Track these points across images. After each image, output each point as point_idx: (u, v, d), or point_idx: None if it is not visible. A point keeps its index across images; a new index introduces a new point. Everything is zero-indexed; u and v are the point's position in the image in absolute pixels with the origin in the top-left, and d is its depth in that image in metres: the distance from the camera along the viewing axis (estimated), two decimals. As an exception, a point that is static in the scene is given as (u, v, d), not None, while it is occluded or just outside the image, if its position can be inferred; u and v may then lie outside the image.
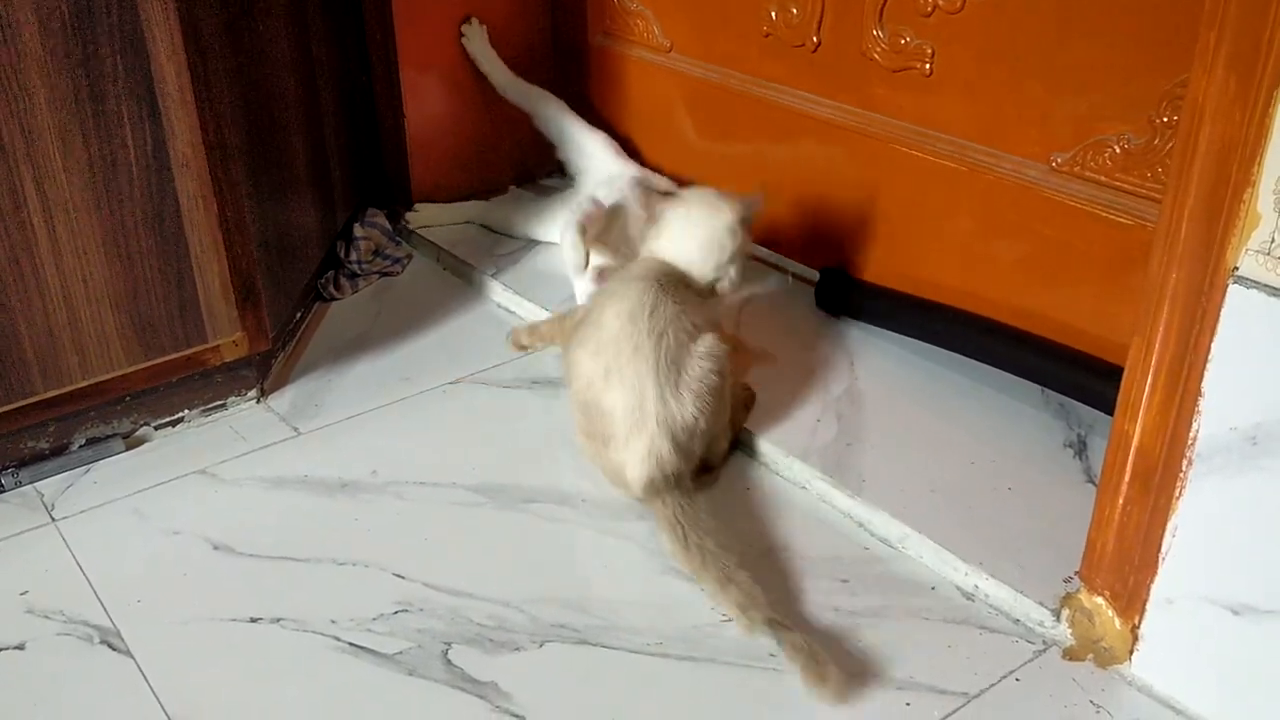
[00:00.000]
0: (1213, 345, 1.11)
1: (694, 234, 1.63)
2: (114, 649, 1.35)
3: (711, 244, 1.62)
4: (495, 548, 1.52)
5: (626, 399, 1.49)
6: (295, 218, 1.96)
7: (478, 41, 2.29)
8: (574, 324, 1.64)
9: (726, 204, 1.65)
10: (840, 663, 1.31)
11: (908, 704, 1.27)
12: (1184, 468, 1.17)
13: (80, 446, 1.66)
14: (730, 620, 1.38)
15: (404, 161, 2.33)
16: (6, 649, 1.35)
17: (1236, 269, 1.08)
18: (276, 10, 1.85)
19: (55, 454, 1.65)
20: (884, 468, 1.60)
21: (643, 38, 2.25)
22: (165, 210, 1.57)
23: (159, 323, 1.62)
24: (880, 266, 1.93)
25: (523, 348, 1.84)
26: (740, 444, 1.69)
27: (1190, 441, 1.16)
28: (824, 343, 1.92)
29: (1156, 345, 1.17)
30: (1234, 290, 1.08)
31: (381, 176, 2.37)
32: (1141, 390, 1.20)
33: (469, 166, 2.37)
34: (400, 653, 1.34)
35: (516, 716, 1.26)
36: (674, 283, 1.57)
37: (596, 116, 2.40)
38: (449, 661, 1.33)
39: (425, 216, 2.32)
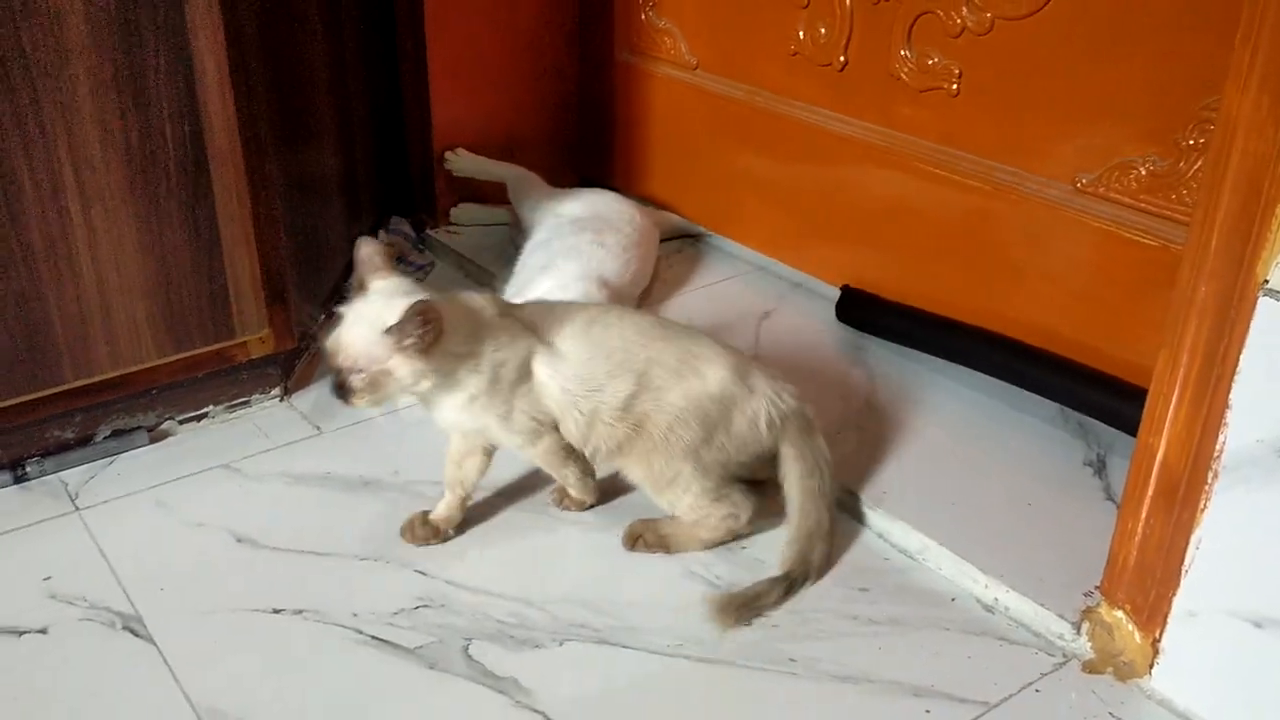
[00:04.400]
0: (1241, 358, 1.12)
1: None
2: (136, 635, 1.36)
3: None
4: (515, 548, 1.53)
5: (724, 364, 1.47)
6: (323, 221, 1.99)
7: (465, 161, 2.33)
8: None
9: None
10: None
11: (927, 711, 1.28)
12: (1209, 480, 1.18)
13: (105, 438, 1.68)
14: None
15: (430, 170, 2.35)
16: (30, 632, 1.36)
17: (1267, 282, 1.09)
18: (313, 16, 1.88)
19: (80, 444, 1.66)
20: (904, 481, 1.61)
21: (669, 55, 2.28)
22: (200, 202, 1.59)
23: (189, 316, 1.64)
24: (901, 283, 1.94)
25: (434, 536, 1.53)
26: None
27: (1216, 454, 1.17)
28: (844, 358, 1.93)
29: (1184, 359, 1.18)
30: (1264, 303, 1.09)
31: (407, 185, 2.39)
32: (1168, 404, 1.21)
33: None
34: (421, 647, 1.35)
35: (536, 712, 1.26)
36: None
37: (620, 133, 2.42)
38: (470, 656, 1.33)
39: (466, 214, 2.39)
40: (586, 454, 1.50)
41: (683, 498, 1.48)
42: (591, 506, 1.58)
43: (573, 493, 1.56)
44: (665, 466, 1.46)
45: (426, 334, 1.33)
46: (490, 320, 1.42)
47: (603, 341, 1.45)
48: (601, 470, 1.56)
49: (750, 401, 1.46)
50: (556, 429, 1.47)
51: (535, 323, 1.46)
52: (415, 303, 1.32)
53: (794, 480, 1.47)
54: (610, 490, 1.60)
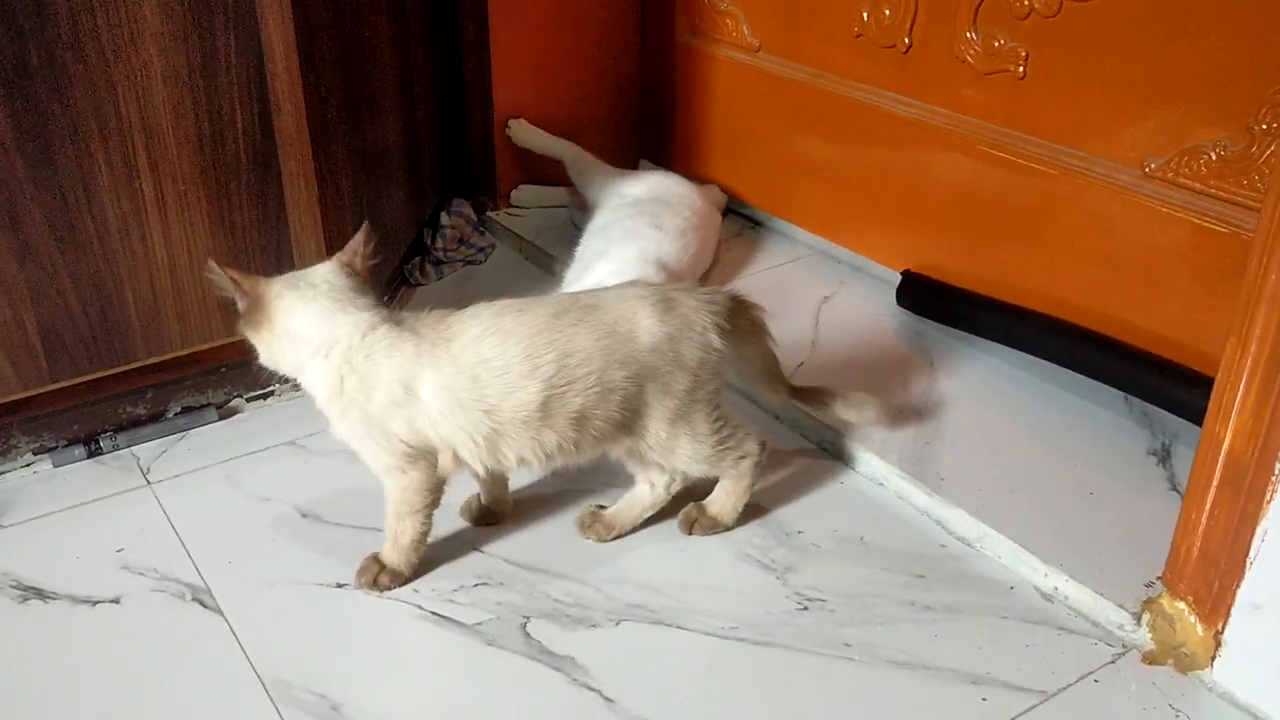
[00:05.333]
0: (1312, 347, 1.10)
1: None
2: (205, 606, 1.40)
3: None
4: (573, 529, 1.54)
5: (646, 312, 1.38)
6: (387, 203, 2.01)
7: (525, 133, 2.35)
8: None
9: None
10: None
11: (984, 699, 1.27)
12: (1276, 471, 1.16)
13: (176, 414, 1.72)
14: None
15: (491, 153, 2.37)
16: (103, 602, 1.41)
17: (1340, 270, 1.07)
18: (378, 3, 1.90)
19: (152, 420, 1.70)
20: (963, 467, 1.60)
21: (731, 37, 2.27)
22: (269, 185, 1.62)
23: (256, 296, 1.67)
24: (964, 268, 1.92)
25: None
26: (818, 439, 1.70)
27: (1284, 445, 1.15)
28: (904, 343, 1.92)
29: (1252, 347, 1.16)
30: (1336, 291, 1.07)
31: (468, 167, 2.41)
32: (1235, 392, 1.19)
33: (554, 160, 2.40)
34: (480, 623, 1.37)
35: (592, 690, 1.28)
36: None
37: (681, 116, 2.42)
38: (527, 634, 1.35)
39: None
40: (530, 465, 1.40)
41: (677, 455, 1.44)
42: (406, 581, 1.43)
43: (391, 555, 1.42)
44: (645, 437, 1.42)
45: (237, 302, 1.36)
46: (358, 325, 1.34)
47: (497, 355, 1.33)
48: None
49: (691, 330, 1.39)
50: (433, 464, 1.38)
51: (428, 336, 1.35)
52: (210, 266, 1.33)
53: (755, 346, 1.51)
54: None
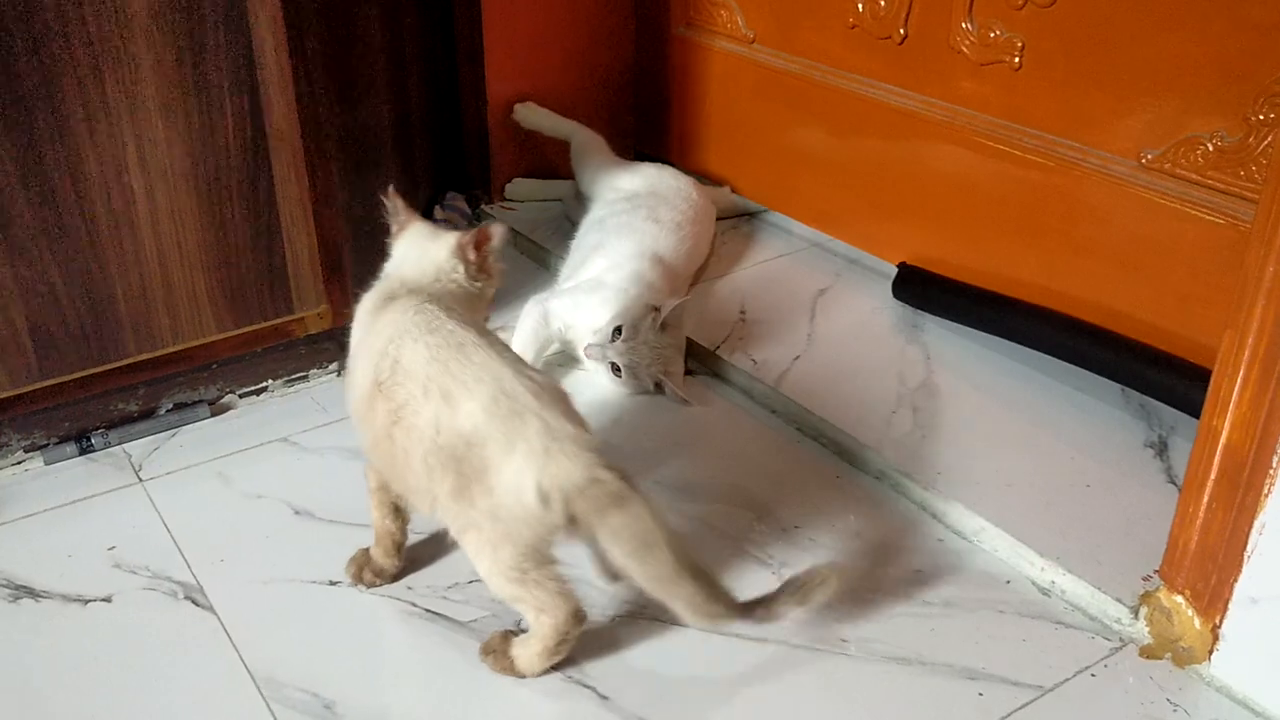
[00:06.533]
0: (1310, 339, 1.09)
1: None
2: (197, 604, 1.39)
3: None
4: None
5: (483, 397, 1.18)
6: (380, 196, 2.00)
7: (531, 114, 2.33)
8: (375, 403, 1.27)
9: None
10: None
11: (980, 694, 1.27)
12: (1274, 464, 1.15)
13: (168, 411, 1.71)
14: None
15: (485, 146, 2.35)
16: (95, 600, 1.40)
17: (1338, 262, 1.06)
18: (370, -6, 1.90)
19: (143, 417, 1.69)
20: (960, 461, 1.59)
21: (725, 29, 2.26)
22: (259, 181, 1.61)
23: (249, 291, 1.66)
24: (960, 261, 1.92)
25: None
26: (814, 434, 1.70)
27: (1282, 438, 1.14)
28: (900, 336, 1.91)
29: (1250, 339, 1.15)
30: (1335, 283, 1.06)
31: (462, 161, 2.40)
32: (1232, 385, 1.18)
33: (550, 152, 2.39)
34: (475, 620, 1.36)
35: (587, 688, 1.27)
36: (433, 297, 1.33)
37: (676, 108, 2.41)
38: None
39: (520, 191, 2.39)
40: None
41: (477, 560, 1.23)
42: (393, 578, 1.41)
43: (375, 549, 1.40)
44: (446, 510, 1.22)
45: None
46: (378, 288, 1.39)
47: (374, 335, 1.30)
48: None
49: (509, 460, 1.14)
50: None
51: (372, 311, 1.34)
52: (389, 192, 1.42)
53: (620, 562, 1.18)
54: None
